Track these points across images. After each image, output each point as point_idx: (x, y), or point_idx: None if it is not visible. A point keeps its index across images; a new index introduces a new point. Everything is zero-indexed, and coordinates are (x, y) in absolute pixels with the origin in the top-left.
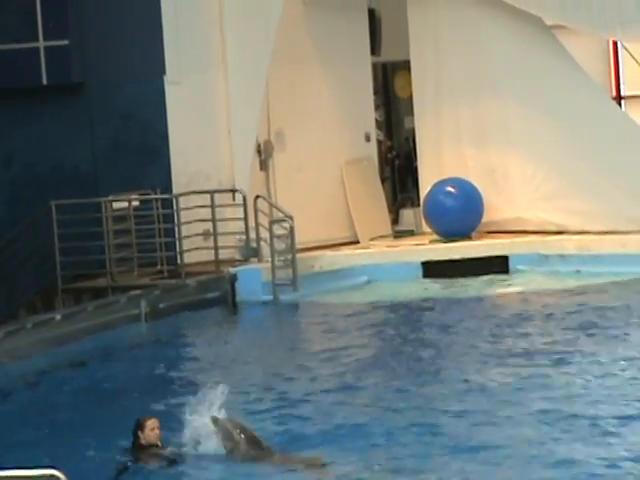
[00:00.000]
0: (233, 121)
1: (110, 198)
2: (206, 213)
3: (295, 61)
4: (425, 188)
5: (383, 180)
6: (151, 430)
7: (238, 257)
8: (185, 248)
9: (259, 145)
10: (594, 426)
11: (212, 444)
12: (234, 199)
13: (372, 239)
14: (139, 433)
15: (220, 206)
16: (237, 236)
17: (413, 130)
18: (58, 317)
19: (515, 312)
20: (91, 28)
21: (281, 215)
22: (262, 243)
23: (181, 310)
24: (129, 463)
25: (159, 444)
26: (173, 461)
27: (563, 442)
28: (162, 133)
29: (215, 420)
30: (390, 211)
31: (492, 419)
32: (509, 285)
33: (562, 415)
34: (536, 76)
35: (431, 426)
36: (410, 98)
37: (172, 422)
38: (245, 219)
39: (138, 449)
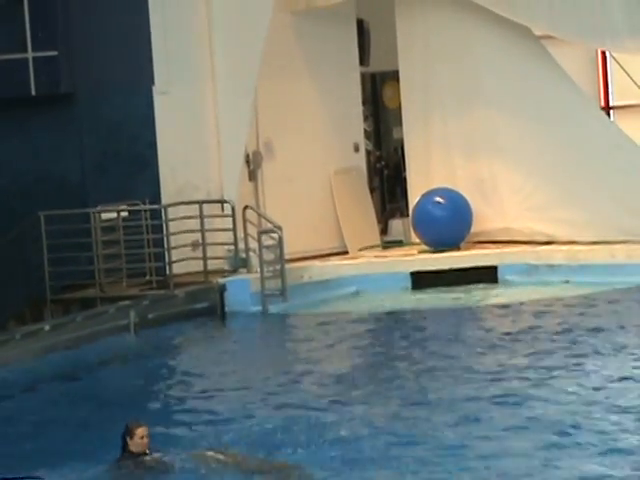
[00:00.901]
0: (222, 131)
1: (99, 209)
2: (195, 224)
3: (284, 71)
4: (414, 198)
5: (372, 190)
6: (140, 438)
7: (227, 268)
8: (174, 259)
9: (248, 155)
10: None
11: None
12: (223, 210)
13: (361, 249)
14: (127, 439)
15: (209, 217)
16: (226, 247)
17: (402, 140)
18: (47, 328)
19: (503, 323)
20: (80, 39)
21: (270, 225)
22: (251, 253)
23: (170, 321)
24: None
25: (147, 452)
26: (159, 470)
27: (552, 454)
28: (151, 143)
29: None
30: (379, 221)
31: (481, 431)
32: (498, 295)
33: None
34: (525, 86)
35: (417, 437)
36: (399, 108)
37: (159, 432)
38: (234, 230)
39: (126, 455)
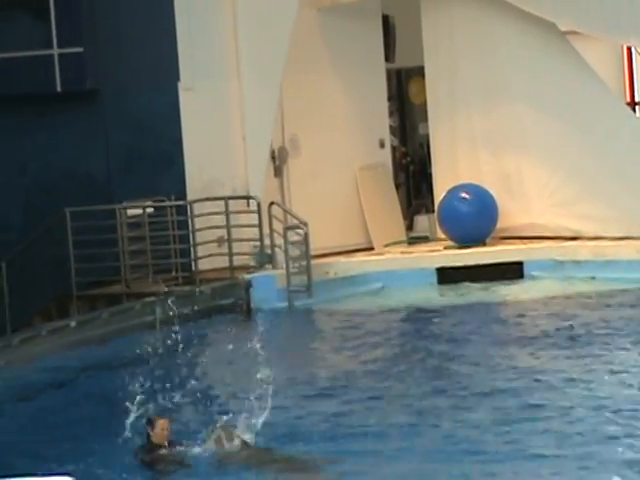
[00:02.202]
0: (247, 127)
1: (124, 205)
2: (220, 220)
3: (309, 67)
4: (439, 194)
5: (397, 186)
6: (161, 430)
7: (252, 264)
8: (199, 255)
9: (273, 151)
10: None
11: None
12: (248, 205)
13: (386, 245)
14: (149, 430)
15: (234, 213)
16: (251, 243)
17: (427, 136)
18: (73, 324)
19: (527, 319)
20: (105, 35)
21: (295, 221)
22: (276, 249)
23: (196, 317)
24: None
25: (166, 445)
26: (179, 463)
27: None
28: (176, 140)
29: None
30: (404, 217)
31: (504, 428)
32: (524, 291)
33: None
34: (550, 82)
35: (442, 434)
36: (424, 104)
37: (181, 428)
38: (259, 226)
39: (148, 447)
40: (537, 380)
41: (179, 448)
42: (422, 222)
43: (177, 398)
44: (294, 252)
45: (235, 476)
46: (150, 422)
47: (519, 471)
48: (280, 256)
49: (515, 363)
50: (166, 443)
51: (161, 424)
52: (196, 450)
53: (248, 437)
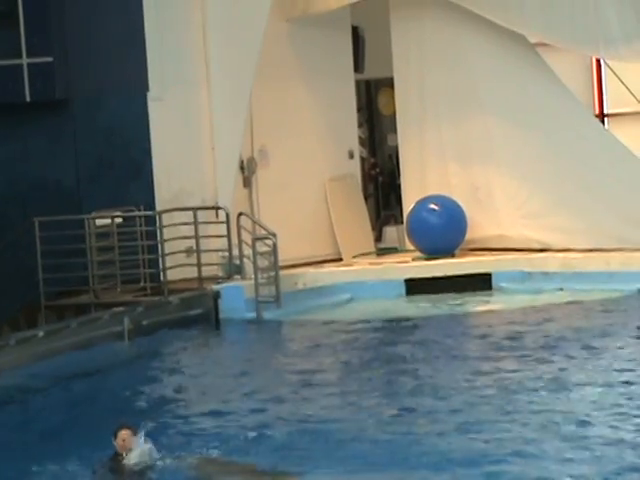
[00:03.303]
0: (216, 138)
1: (93, 215)
2: (189, 230)
3: (279, 78)
4: (408, 205)
5: (366, 197)
6: (121, 440)
7: (221, 274)
8: (168, 265)
9: (242, 162)
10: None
11: None
12: (217, 216)
13: (355, 256)
14: (113, 442)
15: (203, 223)
16: (220, 253)
17: (396, 147)
18: (41, 334)
19: (497, 330)
20: (75, 45)
21: (264, 232)
22: (245, 260)
23: (164, 327)
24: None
25: (124, 455)
26: (134, 473)
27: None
28: (145, 149)
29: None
30: (373, 228)
31: (470, 436)
32: (492, 303)
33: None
34: (520, 93)
35: (412, 443)
36: (393, 115)
37: (152, 438)
38: (228, 236)
39: (113, 457)
40: (502, 388)
41: (137, 459)
42: (391, 233)
43: (142, 410)
44: (263, 263)
45: None
46: (114, 431)
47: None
48: (249, 267)
49: (481, 374)
50: (125, 454)
51: (122, 435)
52: (158, 461)
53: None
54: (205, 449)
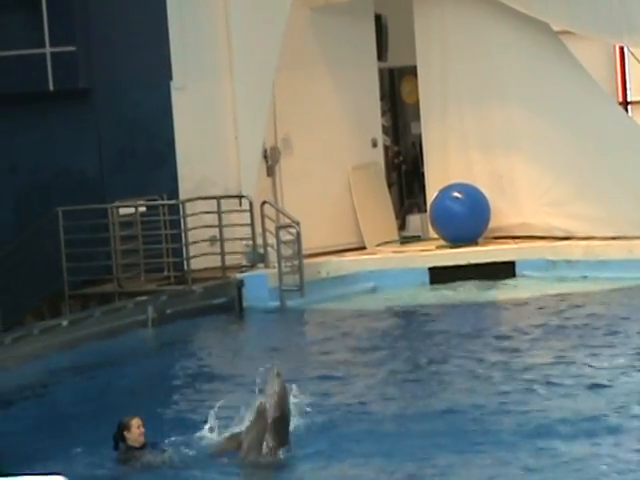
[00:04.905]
0: (240, 127)
1: (117, 204)
2: (213, 219)
3: (302, 67)
4: (432, 194)
5: (390, 186)
6: (137, 428)
7: (245, 263)
8: (192, 254)
9: (266, 151)
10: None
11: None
12: (241, 205)
13: (379, 245)
14: (125, 434)
15: (227, 212)
16: (244, 242)
17: (420, 136)
18: (65, 323)
19: (520, 318)
20: (98, 34)
21: (288, 221)
22: (269, 249)
23: (188, 316)
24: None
25: (145, 444)
26: (159, 462)
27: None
28: (169, 139)
29: (278, 375)
30: (397, 217)
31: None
32: (516, 291)
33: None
34: (543, 81)
35: (436, 432)
36: (417, 104)
37: (176, 427)
38: (252, 225)
39: (125, 451)
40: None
41: (153, 449)
42: (414, 222)
43: (165, 399)
44: (286, 251)
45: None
46: (125, 426)
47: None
48: (272, 255)
49: (508, 361)
50: (144, 442)
51: (135, 423)
52: (171, 452)
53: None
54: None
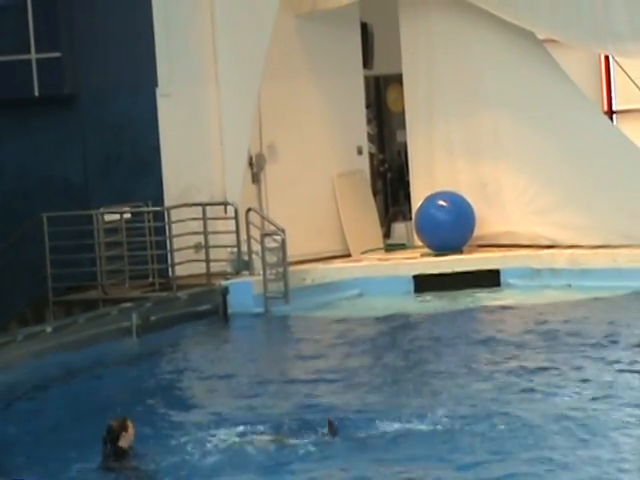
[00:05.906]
0: (225, 134)
1: (102, 210)
2: (198, 226)
3: (287, 74)
4: (417, 202)
5: (375, 193)
6: (132, 428)
7: (230, 270)
8: (177, 261)
9: (251, 158)
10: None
11: None
12: (226, 212)
13: (364, 252)
14: (123, 434)
15: (212, 219)
16: (229, 249)
17: (405, 143)
18: (49, 329)
19: (504, 326)
20: (83, 40)
21: (273, 228)
22: (254, 256)
23: (172, 323)
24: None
25: (132, 446)
26: (146, 468)
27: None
28: (154, 145)
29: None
30: (382, 224)
31: (479, 432)
32: (500, 299)
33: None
34: (528, 90)
35: (419, 440)
36: (402, 111)
37: (159, 434)
38: (237, 232)
39: (112, 455)
40: (509, 386)
41: (138, 455)
42: (399, 229)
43: (150, 406)
44: (271, 259)
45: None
46: (123, 426)
47: None
48: (257, 263)
49: (493, 369)
50: (128, 445)
51: (130, 424)
52: (156, 458)
53: None
54: (211, 444)
